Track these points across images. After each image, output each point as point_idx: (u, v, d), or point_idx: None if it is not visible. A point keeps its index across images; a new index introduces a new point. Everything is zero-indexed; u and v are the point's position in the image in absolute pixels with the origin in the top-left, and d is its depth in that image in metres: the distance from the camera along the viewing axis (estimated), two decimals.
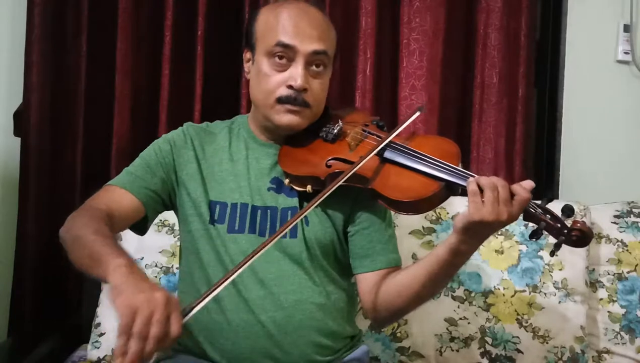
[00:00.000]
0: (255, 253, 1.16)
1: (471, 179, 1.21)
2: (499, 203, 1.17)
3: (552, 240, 1.18)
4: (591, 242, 1.80)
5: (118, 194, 1.37)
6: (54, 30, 2.12)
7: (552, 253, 1.21)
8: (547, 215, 1.20)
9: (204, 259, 1.38)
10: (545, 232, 1.20)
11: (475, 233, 1.21)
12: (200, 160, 1.43)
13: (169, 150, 1.43)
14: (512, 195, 1.18)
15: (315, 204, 1.24)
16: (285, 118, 1.37)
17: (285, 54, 1.34)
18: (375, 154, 1.32)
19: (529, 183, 1.21)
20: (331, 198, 1.28)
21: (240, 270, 1.13)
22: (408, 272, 1.34)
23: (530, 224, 1.22)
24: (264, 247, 1.17)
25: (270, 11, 1.40)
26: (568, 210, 1.19)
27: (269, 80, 1.36)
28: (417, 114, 1.41)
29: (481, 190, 1.18)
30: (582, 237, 1.19)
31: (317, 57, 1.36)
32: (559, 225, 1.19)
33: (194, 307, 1.07)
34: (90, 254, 1.14)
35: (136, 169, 1.41)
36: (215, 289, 1.10)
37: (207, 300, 1.08)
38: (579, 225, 1.19)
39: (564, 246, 1.20)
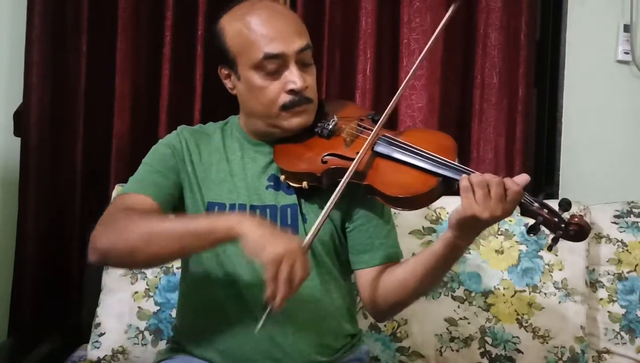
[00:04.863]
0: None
1: (464, 175, 1.20)
2: (492, 200, 1.16)
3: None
4: (591, 241, 1.84)
5: (137, 200, 1.34)
6: (54, 30, 2.11)
7: (549, 248, 1.21)
8: (545, 210, 1.19)
9: (205, 263, 1.38)
10: (542, 227, 1.20)
11: (470, 227, 1.21)
12: (195, 164, 1.41)
13: (170, 154, 1.41)
14: (505, 190, 1.18)
15: (334, 202, 1.24)
16: (295, 121, 1.36)
17: (275, 63, 1.32)
18: (370, 149, 1.31)
19: (522, 178, 1.20)
20: (328, 195, 1.27)
21: None
22: (406, 267, 1.34)
23: (526, 221, 1.21)
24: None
25: (237, 21, 1.34)
26: (565, 204, 1.18)
27: (266, 91, 1.33)
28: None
29: (473, 187, 1.18)
30: (579, 231, 1.18)
31: (303, 54, 1.34)
32: (556, 219, 1.18)
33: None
34: (179, 236, 1.22)
35: (144, 176, 1.40)
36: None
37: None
38: (576, 219, 1.18)
39: (562, 241, 1.19)
